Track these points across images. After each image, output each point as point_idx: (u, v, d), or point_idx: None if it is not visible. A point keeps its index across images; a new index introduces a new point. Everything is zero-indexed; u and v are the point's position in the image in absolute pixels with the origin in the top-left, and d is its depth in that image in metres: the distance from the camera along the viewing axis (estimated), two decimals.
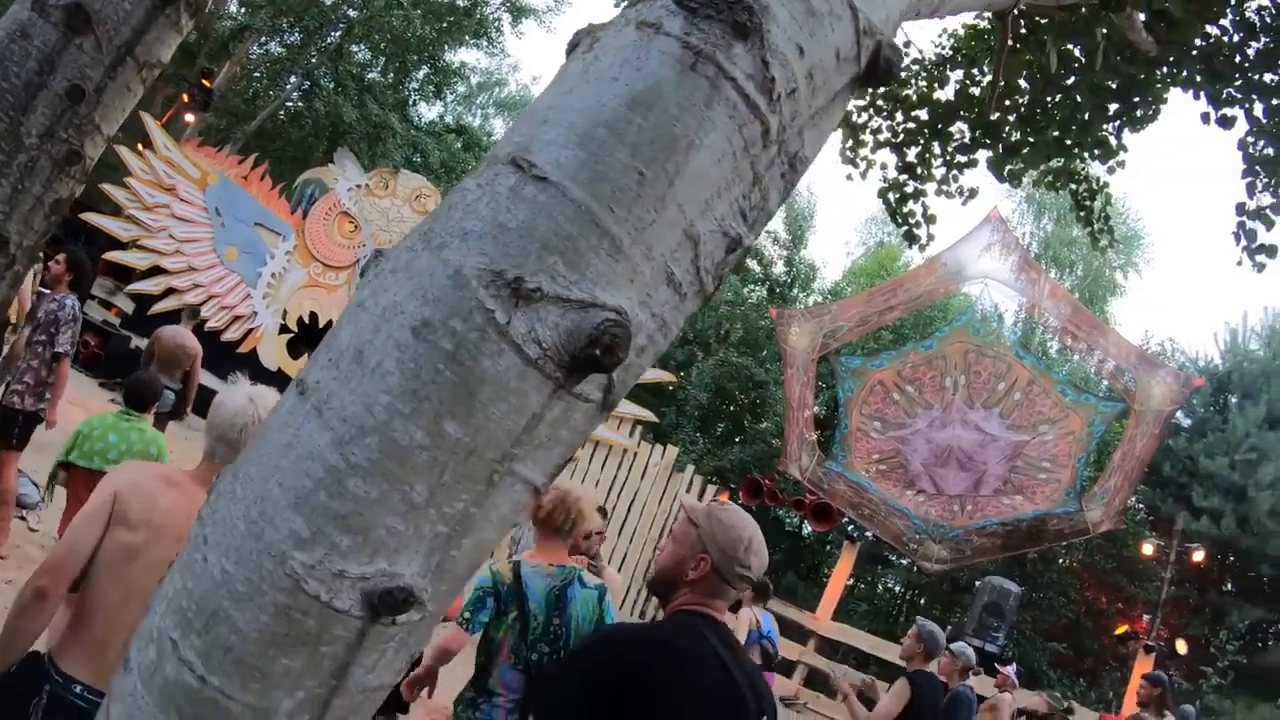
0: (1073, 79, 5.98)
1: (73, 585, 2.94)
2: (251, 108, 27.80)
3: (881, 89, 7.22)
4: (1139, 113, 6.12)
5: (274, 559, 1.06)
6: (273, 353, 16.37)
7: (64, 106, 3.33)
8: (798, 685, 14.47)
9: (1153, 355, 19.45)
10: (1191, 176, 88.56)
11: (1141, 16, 4.85)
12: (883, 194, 7.45)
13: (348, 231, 17.16)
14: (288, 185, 18.36)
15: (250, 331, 16.31)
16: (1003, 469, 15.73)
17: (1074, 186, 7.29)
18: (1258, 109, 5.60)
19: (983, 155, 6.71)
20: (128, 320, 16.58)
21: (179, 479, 3.12)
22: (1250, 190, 5.86)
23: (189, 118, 22.31)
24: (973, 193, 7.32)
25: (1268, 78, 5.50)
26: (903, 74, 7.26)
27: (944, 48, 7.27)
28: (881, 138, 7.31)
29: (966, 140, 6.89)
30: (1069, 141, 6.30)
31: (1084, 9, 4.87)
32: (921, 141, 7.13)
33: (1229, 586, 23.76)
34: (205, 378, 9.67)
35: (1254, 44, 5.49)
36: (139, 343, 13.61)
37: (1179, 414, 18.14)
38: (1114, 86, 5.82)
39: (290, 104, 29.31)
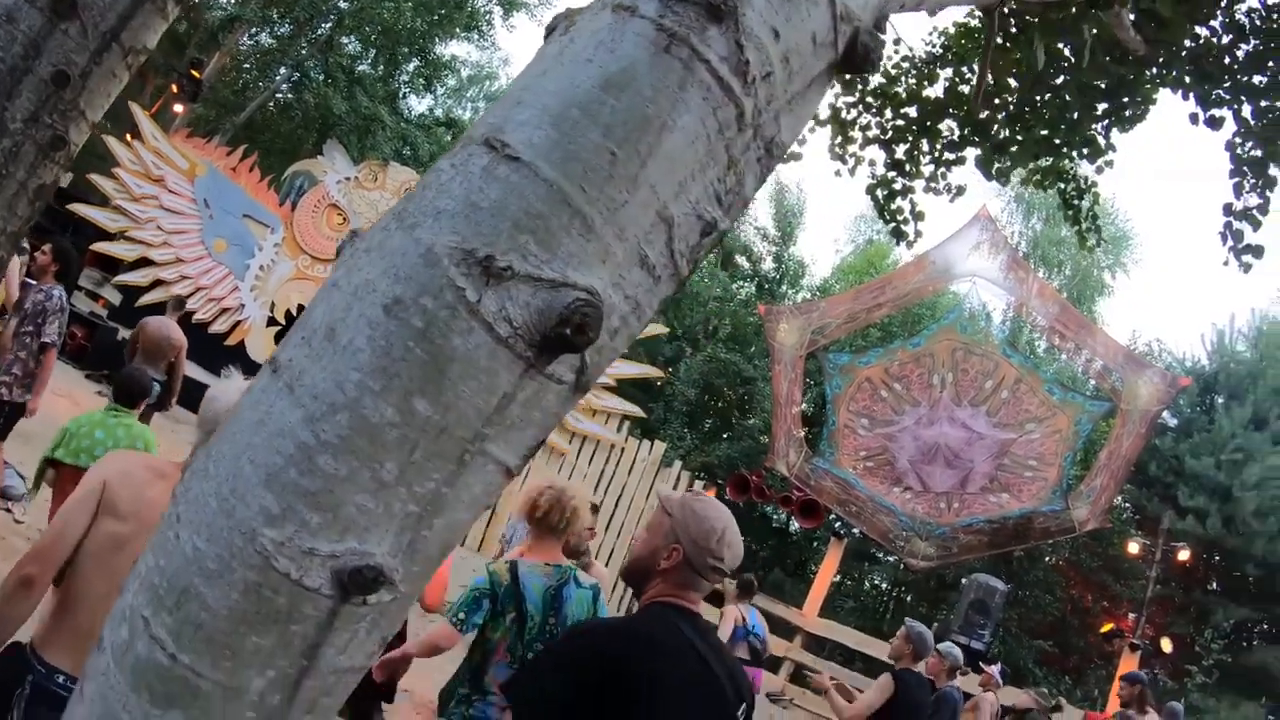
0: (1061, 78, 6.00)
1: (58, 576, 2.92)
2: (241, 99, 27.71)
3: (872, 85, 7.24)
4: (1127, 112, 6.14)
5: (244, 536, 1.06)
6: (260, 345, 16.31)
7: (49, 92, 3.32)
8: (784, 681, 14.49)
9: (1140, 355, 19.48)
10: (1180, 177, 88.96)
11: (1130, 15, 4.87)
12: (871, 190, 7.46)
13: (336, 224, 17.10)
14: (276, 177, 18.28)
15: (238, 324, 16.26)
16: (989, 467, 15.77)
17: (1062, 185, 7.31)
18: (1246, 110, 5.61)
19: (971, 153, 6.72)
20: (115, 312, 16.49)
21: (168, 470, 3.09)
22: (1237, 191, 5.87)
23: (178, 108, 22.22)
24: (960, 190, 7.34)
25: (1257, 80, 5.51)
26: (893, 71, 7.28)
27: (934, 46, 7.28)
28: (870, 134, 7.31)
29: (955, 138, 6.90)
30: (1057, 140, 6.32)
31: (1072, 7, 4.88)
32: (910, 138, 7.14)
33: (1214, 586, 23.89)
34: (192, 370, 9.63)
35: (1243, 46, 5.50)
36: (126, 334, 13.52)
37: (1165, 414, 18.22)
38: (1103, 86, 5.83)
39: (280, 95, 29.22)
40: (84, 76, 3.44)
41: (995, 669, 9.48)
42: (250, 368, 6.55)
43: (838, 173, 7.55)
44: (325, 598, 1.08)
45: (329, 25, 27.68)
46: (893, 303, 17.31)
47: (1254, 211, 5.88)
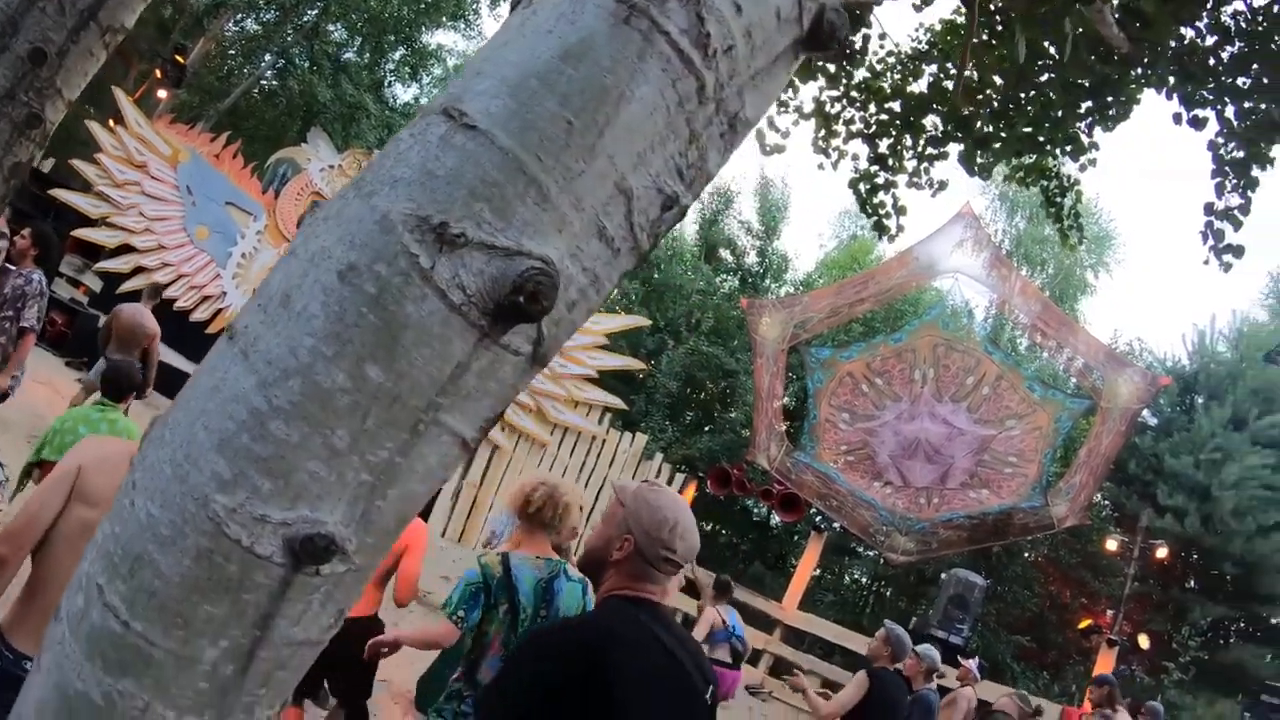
0: (1046, 75, 6.03)
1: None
2: (225, 85, 27.58)
3: (857, 79, 7.25)
4: (1111, 111, 6.17)
5: (197, 502, 1.06)
6: None
7: (25, 69, 3.30)
8: (763, 674, 14.53)
9: (1121, 354, 19.58)
10: (1162, 176, 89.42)
11: (1115, 14, 4.89)
12: (853, 184, 7.48)
13: None
14: (260, 164, 18.19)
15: (219, 312, 16.15)
16: (970, 462, 15.83)
17: (1045, 183, 7.34)
18: (1230, 112, 5.65)
19: (954, 149, 6.75)
20: (96, 299, 16.35)
21: None
22: (1219, 191, 5.91)
23: (162, 94, 22.08)
24: (943, 185, 7.36)
25: (1241, 81, 5.55)
26: (878, 66, 7.30)
27: (920, 42, 7.31)
28: (854, 128, 7.33)
29: (938, 133, 6.93)
30: (1041, 138, 6.36)
31: (1055, 0, 4.89)
32: (894, 133, 7.16)
33: (1192, 584, 24.02)
34: (174, 358, 9.59)
35: (1229, 48, 5.53)
36: None
37: (1145, 413, 18.30)
38: (1086, 84, 5.86)
39: (264, 82, 29.10)
40: (61, 55, 3.42)
41: (973, 663, 9.50)
42: None
43: (820, 166, 7.57)
44: (277, 566, 1.08)
45: (315, 12, 27.57)
46: (875, 298, 17.33)
47: (1235, 211, 5.92)
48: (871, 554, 24.41)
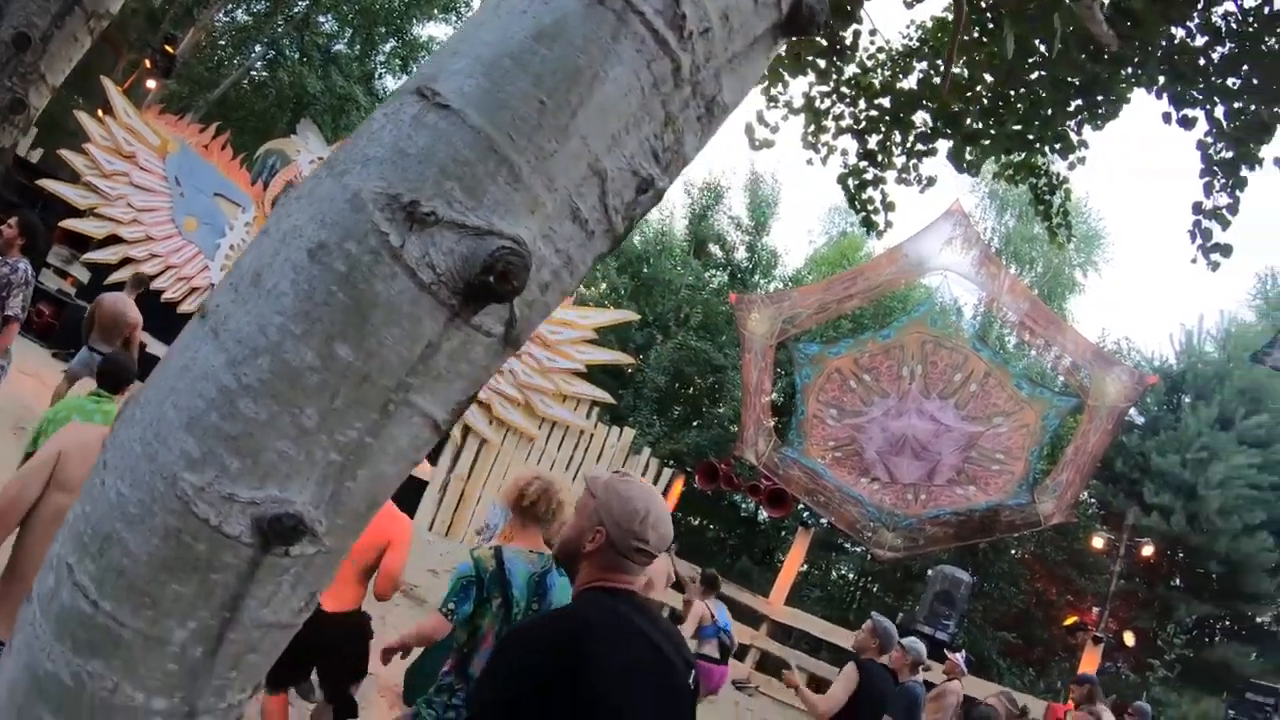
0: (1035, 73, 6.03)
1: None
2: (215, 76, 27.48)
3: (847, 75, 7.25)
4: (1100, 109, 6.19)
5: (166, 480, 1.05)
6: None
7: (9, 54, 3.28)
8: (750, 669, 14.55)
9: (1109, 353, 19.62)
10: (1151, 175, 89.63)
11: (1104, 9, 4.89)
12: (842, 180, 7.48)
13: None
14: (249, 156, 18.12)
15: None
16: (957, 459, 15.86)
17: (1034, 180, 7.35)
18: (1219, 112, 5.67)
19: (943, 145, 6.76)
20: (83, 290, 16.29)
21: None
22: (1208, 190, 5.93)
23: (151, 84, 21.97)
24: (931, 181, 7.37)
25: (1230, 82, 5.57)
26: (868, 62, 7.30)
27: (911, 39, 7.31)
28: (844, 124, 7.33)
29: (928, 130, 6.93)
30: (1030, 135, 6.37)
31: None
32: (883, 129, 7.16)
33: (1177, 582, 24.13)
34: (160, 349, 9.55)
35: (1219, 49, 5.55)
36: None
37: (1132, 411, 18.34)
38: (1076, 82, 5.88)
39: (254, 73, 29.02)
40: (45, 39, 3.40)
41: (960, 657, 9.53)
42: None
43: (810, 161, 7.57)
44: (245, 546, 1.07)
45: (305, 3, 27.53)
46: (864, 294, 17.33)
47: (1223, 211, 5.95)
48: (859, 550, 24.48)
